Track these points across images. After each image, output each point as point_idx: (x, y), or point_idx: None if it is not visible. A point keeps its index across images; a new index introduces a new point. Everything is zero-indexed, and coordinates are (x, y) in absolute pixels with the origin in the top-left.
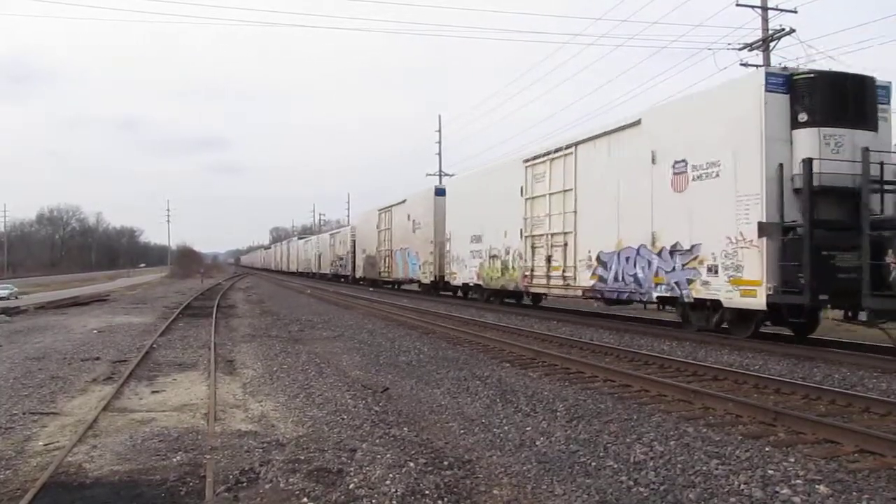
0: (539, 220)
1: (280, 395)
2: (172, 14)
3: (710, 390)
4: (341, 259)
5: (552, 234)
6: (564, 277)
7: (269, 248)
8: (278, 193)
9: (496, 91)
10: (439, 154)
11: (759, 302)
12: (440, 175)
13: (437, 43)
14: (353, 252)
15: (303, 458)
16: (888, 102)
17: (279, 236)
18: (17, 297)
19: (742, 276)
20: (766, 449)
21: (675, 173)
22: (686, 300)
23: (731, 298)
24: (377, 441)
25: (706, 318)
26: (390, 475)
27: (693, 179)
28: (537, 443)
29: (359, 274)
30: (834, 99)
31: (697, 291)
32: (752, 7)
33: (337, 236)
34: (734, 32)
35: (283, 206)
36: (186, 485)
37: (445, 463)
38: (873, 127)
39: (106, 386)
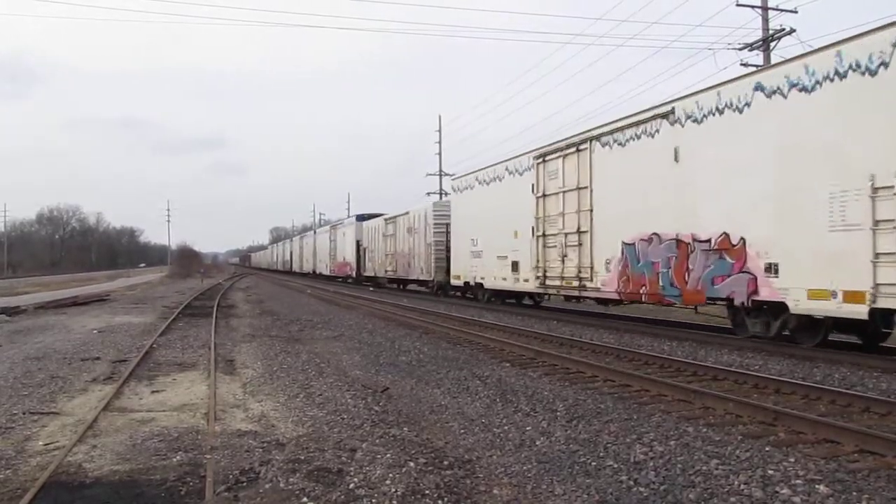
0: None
1: (280, 394)
2: (173, 14)
3: (711, 390)
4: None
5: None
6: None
7: (335, 229)
8: (278, 193)
9: (497, 91)
10: (439, 154)
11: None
12: (440, 175)
13: (438, 43)
14: None
15: (303, 457)
16: None
17: (279, 236)
18: None
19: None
20: (766, 449)
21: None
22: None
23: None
24: (377, 441)
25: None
26: (390, 475)
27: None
28: (537, 442)
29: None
30: None
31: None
32: (752, 7)
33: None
34: (734, 32)
35: (283, 206)
36: (186, 484)
37: (445, 463)
38: None
39: (106, 386)
